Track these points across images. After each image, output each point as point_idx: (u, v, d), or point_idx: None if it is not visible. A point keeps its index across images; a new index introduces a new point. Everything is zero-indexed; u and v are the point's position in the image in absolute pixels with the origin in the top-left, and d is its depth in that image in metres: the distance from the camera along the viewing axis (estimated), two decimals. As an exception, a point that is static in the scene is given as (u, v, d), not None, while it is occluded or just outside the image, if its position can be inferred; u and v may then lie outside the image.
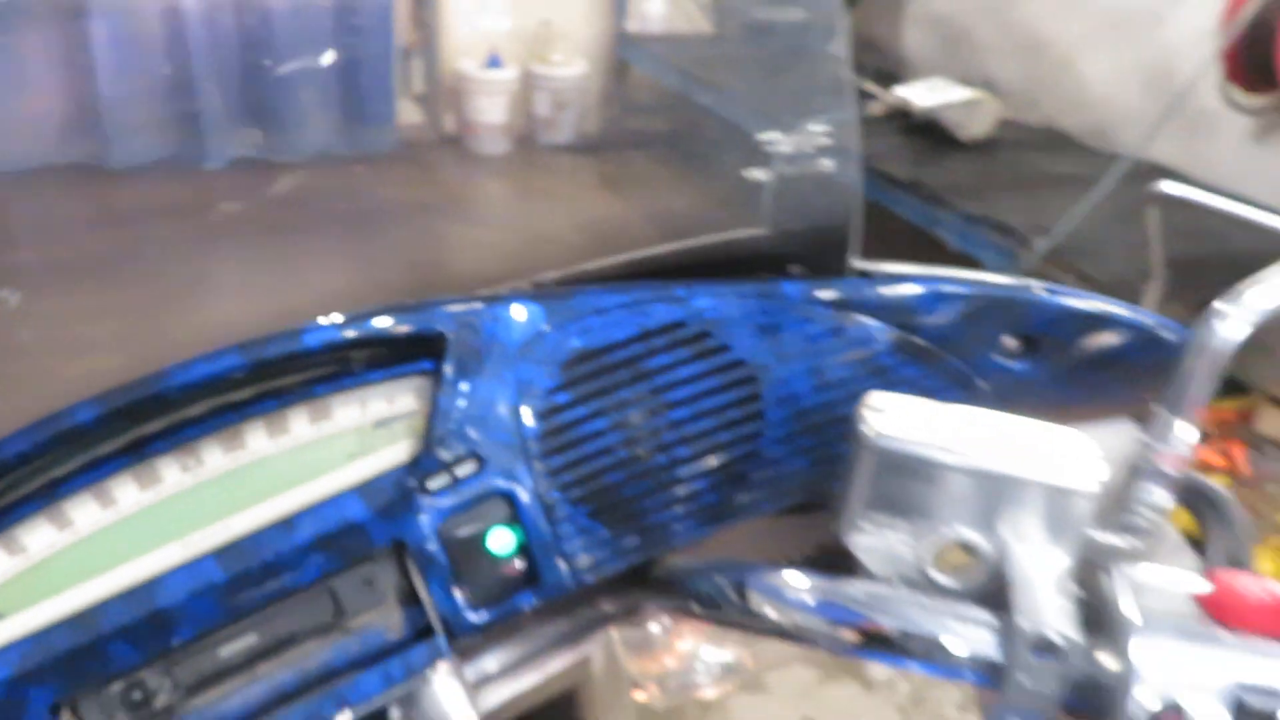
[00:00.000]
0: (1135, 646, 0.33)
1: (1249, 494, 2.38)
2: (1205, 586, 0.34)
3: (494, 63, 2.61)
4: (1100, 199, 2.58)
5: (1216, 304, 0.37)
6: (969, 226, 2.90)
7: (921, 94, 3.22)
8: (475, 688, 0.50)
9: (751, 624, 0.42)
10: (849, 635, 0.39)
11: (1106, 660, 0.34)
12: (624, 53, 3.39)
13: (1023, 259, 2.73)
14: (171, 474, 0.42)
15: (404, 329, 0.43)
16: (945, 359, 0.48)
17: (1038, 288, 0.48)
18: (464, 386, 0.44)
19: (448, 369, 0.43)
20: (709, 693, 0.94)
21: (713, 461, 0.47)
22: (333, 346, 0.42)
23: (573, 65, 2.80)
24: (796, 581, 0.40)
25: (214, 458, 0.43)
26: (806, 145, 0.45)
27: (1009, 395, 0.48)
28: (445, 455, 0.43)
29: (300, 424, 0.44)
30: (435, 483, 0.43)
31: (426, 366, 0.44)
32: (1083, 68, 3.27)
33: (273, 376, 0.42)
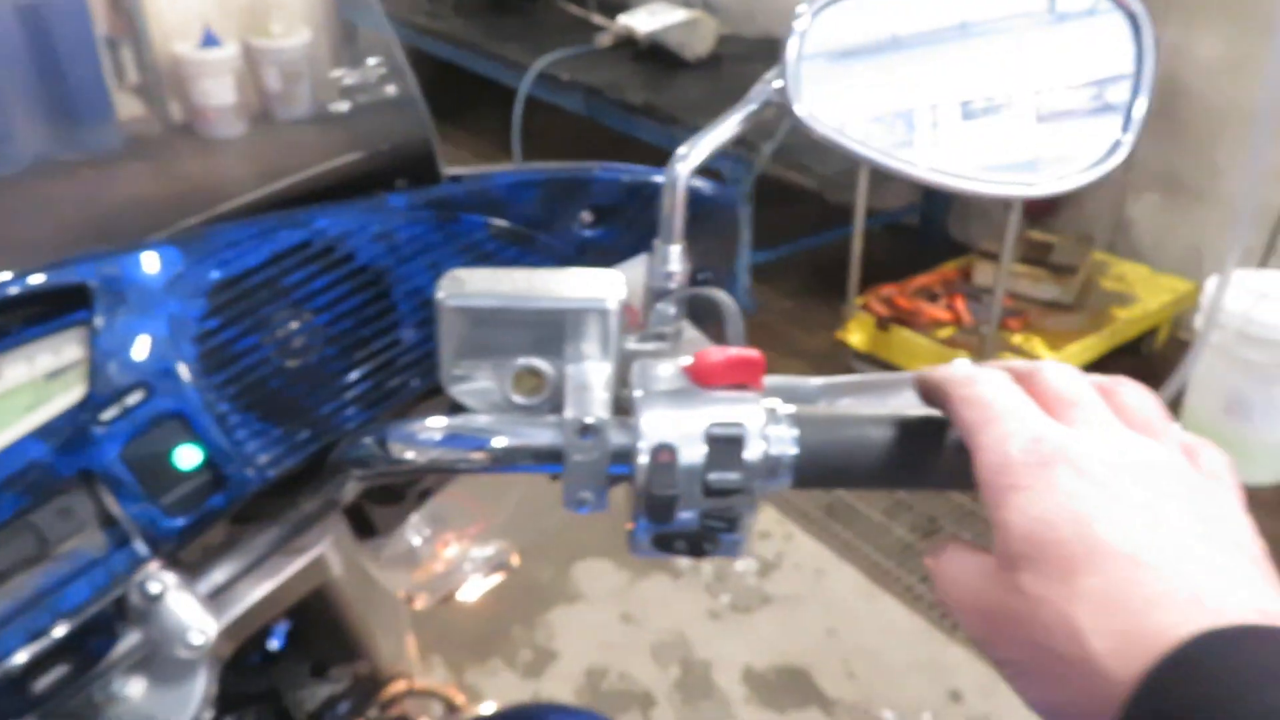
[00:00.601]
0: (641, 414, 0.45)
1: (971, 338, 2.69)
2: (688, 361, 0.46)
3: (210, 41, 2.53)
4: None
5: (678, 150, 0.49)
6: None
7: (643, 20, 3.35)
8: (210, 599, 0.58)
9: (400, 469, 0.51)
10: (475, 457, 0.49)
11: (626, 430, 0.46)
12: (348, 14, 3.34)
13: (755, 163, 2.93)
14: None
15: (48, 283, 0.49)
16: (537, 237, 0.58)
17: (598, 167, 0.59)
18: (117, 327, 0.50)
19: (98, 315, 0.50)
20: (476, 586, 1.03)
21: (360, 355, 0.56)
22: None
23: (295, 34, 2.75)
24: (422, 426, 0.50)
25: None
26: (370, 77, 0.54)
27: (595, 258, 0.59)
28: (112, 389, 0.50)
29: (-28, 386, 0.50)
30: (108, 414, 0.50)
31: (83, 316, 0.50)
32: (783, -23, 3.47)
33: None
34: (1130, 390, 0.42)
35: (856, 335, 2.86)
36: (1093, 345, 2.69)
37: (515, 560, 1.13)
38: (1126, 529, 0.35)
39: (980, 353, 2.58)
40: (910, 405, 0.49)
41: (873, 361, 2.86)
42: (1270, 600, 0.34)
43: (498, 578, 1.10)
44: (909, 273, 3.00)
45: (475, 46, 3.88)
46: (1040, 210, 3.29)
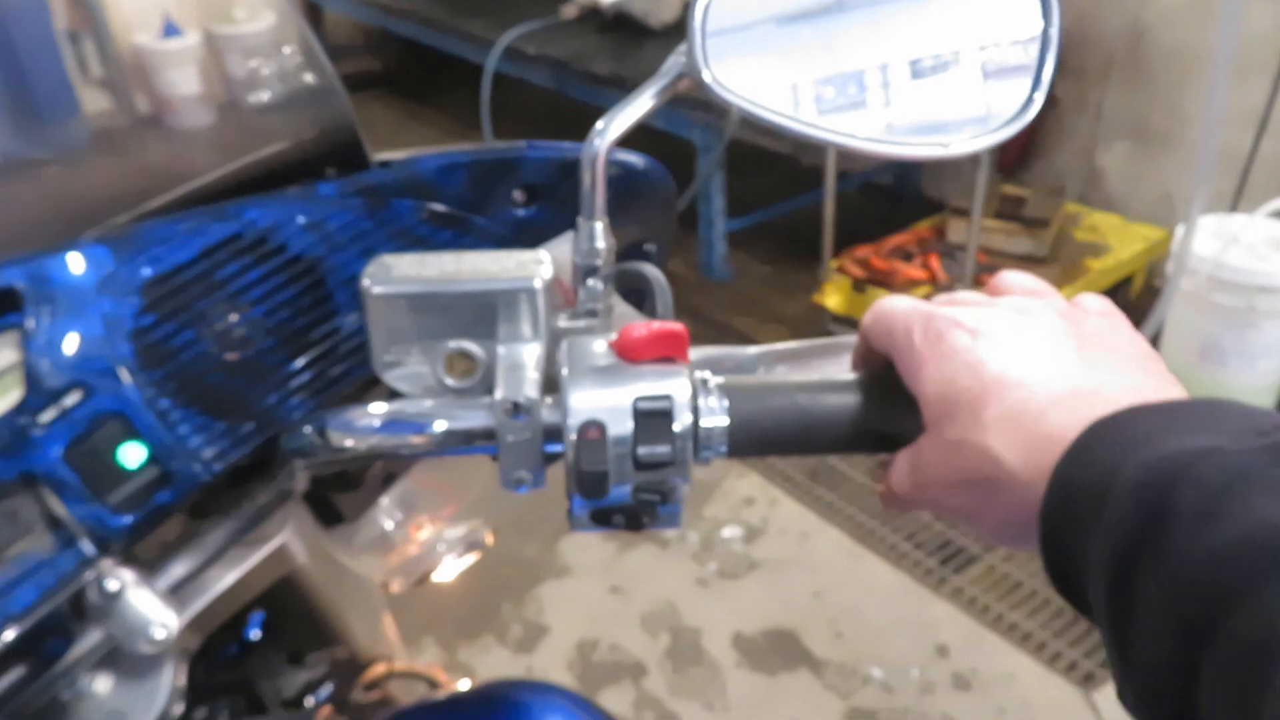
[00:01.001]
0: (569, 392, 0.45)
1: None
2: (614, 337, 0.46)
3: (171, 31, 2.50)
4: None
5: (597, 124, 0.49)
6: (673, 109, 3.06)
7: (607, -10, 3.32)
8: (171, 594, 0.58)
9: (341, 456, 0.52)
10: (413, 441, 0.50)
11: (557, 408, 0.47)
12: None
13: (725, 130, 2.92)
14: None
15: None
16: (470, 219, 0.58)
17: (528, 146, 0.59)
18: (50, 329, 0.50)
19: (29, 317, 0.50)
20: (452, 566, 1.04)
21: (299, 345, 0.56)
22: None
23: (258, 19, 2.71)
24: (359, 414, 0.51)
25: None
26: (288, 65, 0.54)
27: (532, 238, 0.59)
28: (49, 391, 0.50)
29: (-91, 396, 0.50)
30: (46, 416, 0.50)
31: (15, 320, 0.51)
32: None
33: None
34: (1008, 274, 0.49)
35: (833, 298, 2.87)
36: (1068, 296, 2.70)
37: (489, 539, 1.13)
38: (1012, 362, 0.42)
39: (956, 310, 2.58)
40: (848, 369, 0.50)
41: (850, 324, 2.87)
42: (1147, 387, 0.40)
43: (473, 557, 1.11)
44: (884, 233, 3.01)
45: (441, 24, 3.85)
46: (1011, 164, 3.30)
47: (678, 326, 0.46)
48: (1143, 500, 0.33)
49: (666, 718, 1.91)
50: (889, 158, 0.48)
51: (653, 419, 0.44)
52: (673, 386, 0.45)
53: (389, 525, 1.05)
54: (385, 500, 1.01)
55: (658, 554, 2.31)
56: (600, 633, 2.10)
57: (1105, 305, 0.47)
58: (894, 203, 3.73)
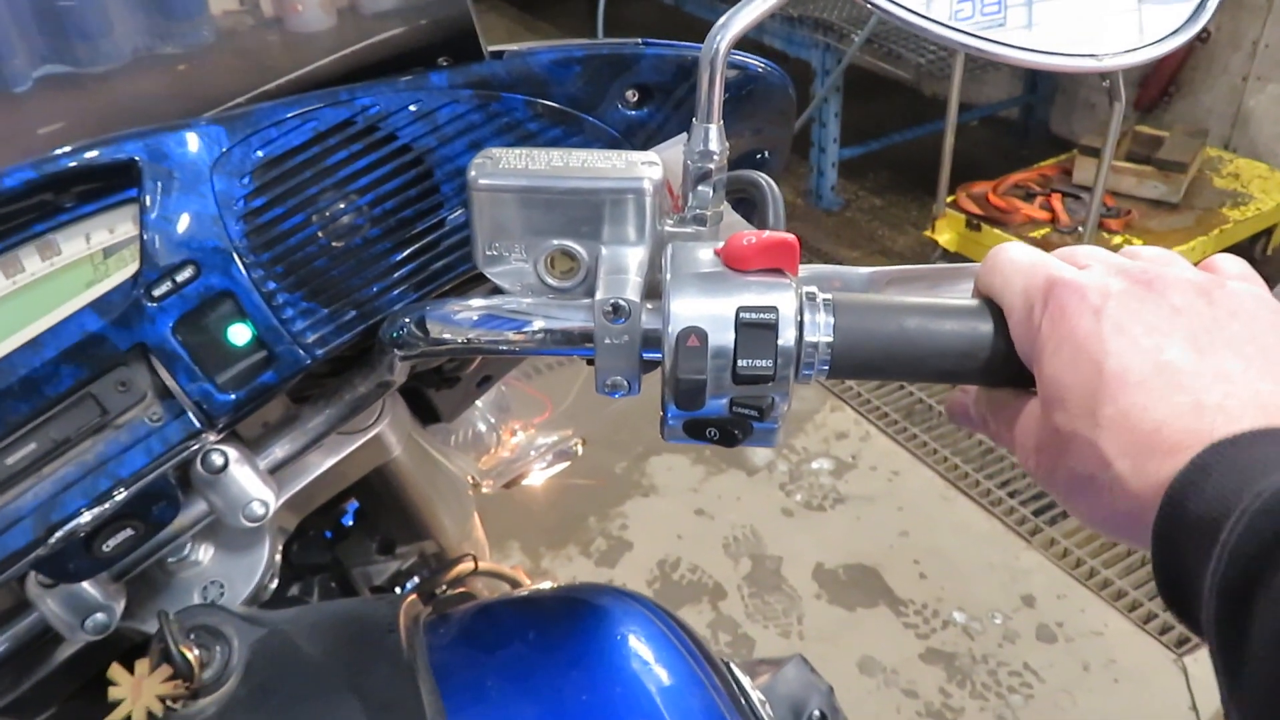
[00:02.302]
0: (671, 298, 0.44)
1: (1067, 238, 2.58)
2: (721, 244, 0.44)
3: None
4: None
5: (714, 26, 0.47)
6: (792, 28, 2.96)
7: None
8: (271, 474, 0.60)
9: (438, 349, 0.52)
10: (510, 338, 0.49)
11: (657, 314, 0.45)
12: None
13: (845, 53, 2.82)
14: None
15: (97, 160, 0.50)
16: (580, 117, 0.57)
17: (641, 43, 0.56)
18: (165, 204, 0.51)
19: (146, 191, 0.51)
20: (542, 473, 1.05)
21: (404, 236, 0.56)
22: (34, 184, 0.49)
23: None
24: (458, 307, 0.50)
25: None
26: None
27: (641, 141, 0.58)
28: (163, 265, 0.51)
29: (33, 261, 0.51)
30: (159, 290, 0.51)
31: (132, 193, 0.51)
32: None
33: None
34: (1142, 247, 0.45)
35: (946, 234, 2.77)
36: (1199, 247, 2.55)
37: (580, 449, 1.14)
38: (1135, 357, 0.39)
39: (1075, 254, 2.46)
40: (962, 300, 0.47)
41: (962, 261, 2.77)
42: (1274, 401, 0.37)
43: (563, 465, 1.12)
44: (1004, 169, 2.88)
45: (559, -68, 3.77)
46: (1151, 102, 3.10)
47: (789, 237, 0.43)
48: (1259, 530, 0.32)
49: (741, 641, 1.93)
50: (1036, 67, 0.44)
51: (755, 331, 0.42)
52: (779, 299, 0.43)
53: (483, 426, 1.06)
54: (480, 402, 1.02)
55: (744, 480, 2.31)
56: (682, 552, 2.13)
57: (1242, 268, 0.43)
58: (1018, 138, 3.57)
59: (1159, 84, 3.04)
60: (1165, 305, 0.40)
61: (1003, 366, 0.44)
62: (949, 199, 2.76)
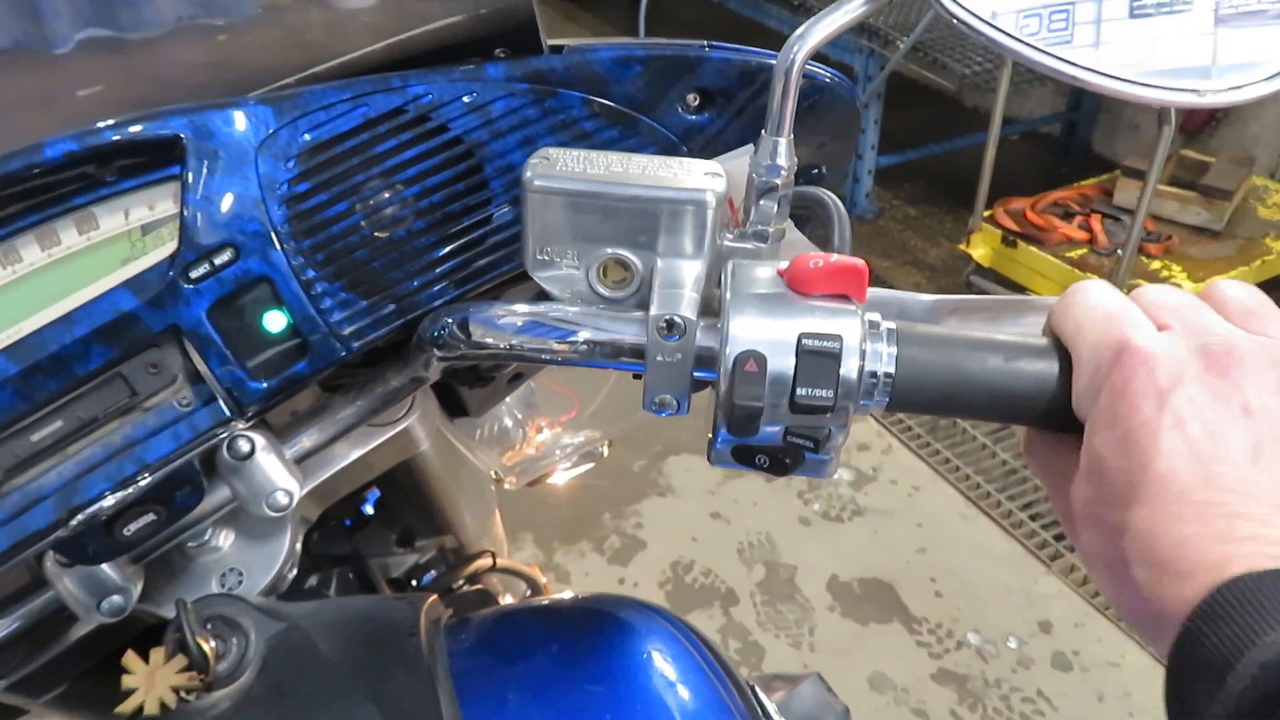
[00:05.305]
0: (730, 317, 0.42)
1: (1105, 260, 2.54)
2: (786, 265, 0.42)
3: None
4: None
5: (791, 36, 0.45)
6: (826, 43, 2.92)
7: (784, -101, 3.17)
8: (297, 463, 0.58)
9: (479, 354, 0.50)
10: (555, 348, 0.47)
11: (714, 333, 0.43)
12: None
13: (889, 60, 2.78)
14: None
15: (141, 134, 0.48)
16: (638, 119, 0.55)
17: (705, 46, 0.54)
18: (208, 184, 0.49)
19: (189, 169, 0.49)
20: (566, 472, 1.04)
21: (448, 231, 0.54)
22: (76, 156, 0.48)
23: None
24: (504, 311, 0.48)
25: (-6, 272, 0.49)
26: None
27: (699, 147, 0.56)
28: (202, 247, 0.49)
29: (70, 235, 0.50)
30: (196, 272, 0.49)
31: (175, 171, 0.50)
32: None
33: (27, 191, 0.48)
34: (1229, 285, 0.42)
35: (980, 249, 2.73)
36: (1240, 277, 2.49)
37: (606, 450, 1.12)
38: (1182, 467, 0.36)
39: (1113, 278, 2.43)
40: (1030, 337, 0.45)
41: (995, 278, 2.73)
42: None
43: (588, 466, 1.10)
44: (1043, 187, 2.83)
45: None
46: (1198, 127, 3.05)
47: (859, 262, 0.41)
48: (1264, 683, 0.32)
49: (751, 649, 1.91)
50: (1134, 99, 0.42)
51: (817, 359, 0.40)
52: (844, 326, 0.41)
53: (509, 422, 1.05)
54: (507, 398, 1.00)
55: (762, 486, 2.29)
56: (696, 555, 2.11)
57: None
58: (1059, 155, 3.52)
59: (1206, 110, 2.99)
60: (1236, 403, 0.37)
61: (1062, 413, 0.42)
62: (986, 213, 2.72)
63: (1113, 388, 0.38)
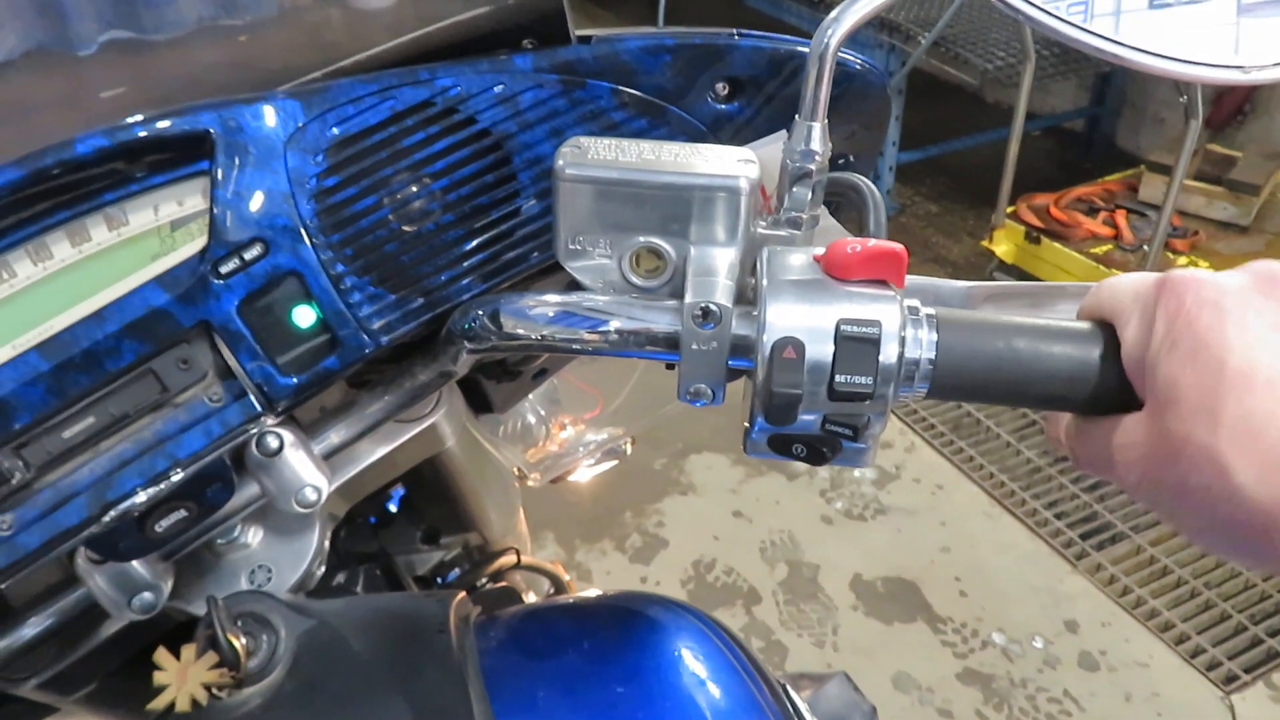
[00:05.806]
0: (767, 305, 0.41)
1: (1130, 256, 2.51)
2: (822, 251, 0.41)
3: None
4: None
5: (825, 20, 0.44)
6: (857, 29, 2.91)
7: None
8: (325, 459, 0.58)
9: (511, 345, 0.49)
10: (588, 338, 0.47)
11: (749, 320, 0.43)
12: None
13: (910, 54, 2.76)
14: None
15: (171, 130, 0.48)
16: (667, 109, 0.54)
17: (735, 34, 0.54)
18: (238, 179, 0.49)
19: (219, 164, 0.49)
20: (590, 469, 1.03)
21: (478, 223, 0.54)
22: (106, 152, 0.47)
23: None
24: (535, 302, 0.48)
25: (24, 268, 0.49)
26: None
27: (728, 136, 0.55)
28: (231, 242, 0.49)
29: (100, 231, 0.50)
30: (226, 267, 0.49)
31: (204, 166, 0.50)
32: None
33: (58, 188, 0.48)
34: (1264, 262, 0.40)
35: (1004, 245, 2.71)
36: (1267, 273, 2.47)
37: (629, 447, 1.12)
38: (1260, 357, 0.35)
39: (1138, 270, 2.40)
40: (1070, 321, 0.44)
41: (1018, 274, 2.71)
42: None
43: (611, 463, 1.10)
44: (1066, 182, 2.81)
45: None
46: (1224, 121, 3.01)
47: (897, 247, 0.41)
48: None
49: (774, 648, 1.90)
50: (1171, 76, 0.41)
51: (857, 345, 0.40)
52: (883, 311, 0.40)
53: (532, 419, 1.04)
54: (531, 394, 1.00)
55: (785, 484, 2.27)
56: (718, 554, 2.10)
57: None
58: (1083, 151, 3.49)
59: (1234, 103, 2.95)
60: None
61: (1108, 394, 0.41)
62: (1009, 209, 2.70)
63: (1166, 313, 0.38)
